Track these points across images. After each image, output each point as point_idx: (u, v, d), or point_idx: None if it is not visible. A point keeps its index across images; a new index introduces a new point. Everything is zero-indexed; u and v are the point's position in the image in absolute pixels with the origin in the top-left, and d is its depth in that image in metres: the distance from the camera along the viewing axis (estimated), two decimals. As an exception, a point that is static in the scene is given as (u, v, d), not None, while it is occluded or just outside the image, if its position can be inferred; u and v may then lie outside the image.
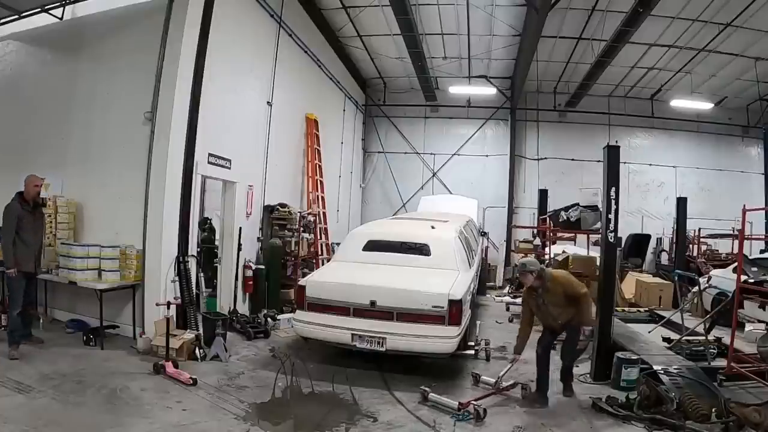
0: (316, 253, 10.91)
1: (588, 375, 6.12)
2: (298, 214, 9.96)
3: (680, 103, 15.48)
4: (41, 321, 6.97)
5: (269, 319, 7.89)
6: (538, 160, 17.16)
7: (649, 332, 7.41)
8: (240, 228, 8.41)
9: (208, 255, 9.20)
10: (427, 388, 5.27)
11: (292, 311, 7.22)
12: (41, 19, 7.74)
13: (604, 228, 6.30)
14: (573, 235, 12.76)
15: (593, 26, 11.93)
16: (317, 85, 12.39)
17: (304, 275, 8.11)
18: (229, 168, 8.07)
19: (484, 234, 14.25)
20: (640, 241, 15.21)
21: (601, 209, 8.56)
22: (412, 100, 17.17)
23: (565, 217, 14.44)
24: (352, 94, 15.62)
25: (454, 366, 6.28)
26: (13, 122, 8.03)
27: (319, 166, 11.86)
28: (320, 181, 11.84)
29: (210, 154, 7.53)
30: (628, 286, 11.59)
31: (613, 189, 6.16)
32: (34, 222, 6.24)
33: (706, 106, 15.61)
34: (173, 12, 6.87)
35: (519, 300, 10.22)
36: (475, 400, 5.01)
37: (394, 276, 6.20)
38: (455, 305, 5.65)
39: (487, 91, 15.73)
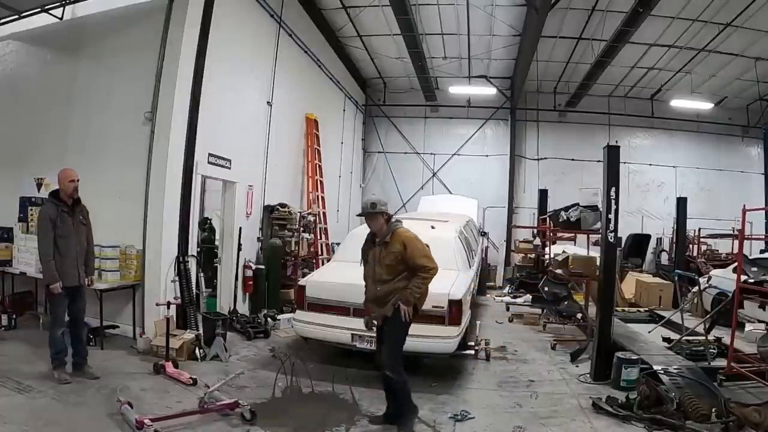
0: (316, 253, 10.90)
1: (588, 375, 6.12)
2: (298, 214, 9.96)
3: (680, 103, 15.48)
4: (41, 321, 6.95)
5: (269, 319, 7.89)
6: (538, 160, 17.15)
7: (649, 332, 7.41)
8: (240, 228, 8.41)
9: (208, 255, 9.20)
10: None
11: (292, 311, 7.23)
12: (41, 19, 7.72)
13: (604, 228, 6.30)
14: (573, 235, 12.75)
15: (593, 26, 11.93)
16: (317, 85, 12.39)
17: (304, 275, 8.12)
18: (229, 168, 8.07)
19: (484, 234, 14.25)
20: (640, 241, 15.21)
21: (601, 209, 8.56)
22: (412, 100, 17.16)
23: (565, 217, 14.42)
24: (352, 94, 15.62)
25: (454, 366, 6.28)
26: (14, 122, 8.02)
27: (319, 166, 11.86)
28: (320, 181, 11.84)
29: (210, 154, 7.53)
30: (628, 286, 11.60)
31: (613, 189, 6.16)
32: (73, 224, 5.28)
33: (706, 106, 15.61)
34: (173, 11, 6.87)
35: (519, 300, 10.32)
36: (155, 418, 4.12)
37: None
38: (455, 305, 5.65)
39: (487, 91, 15.72)
